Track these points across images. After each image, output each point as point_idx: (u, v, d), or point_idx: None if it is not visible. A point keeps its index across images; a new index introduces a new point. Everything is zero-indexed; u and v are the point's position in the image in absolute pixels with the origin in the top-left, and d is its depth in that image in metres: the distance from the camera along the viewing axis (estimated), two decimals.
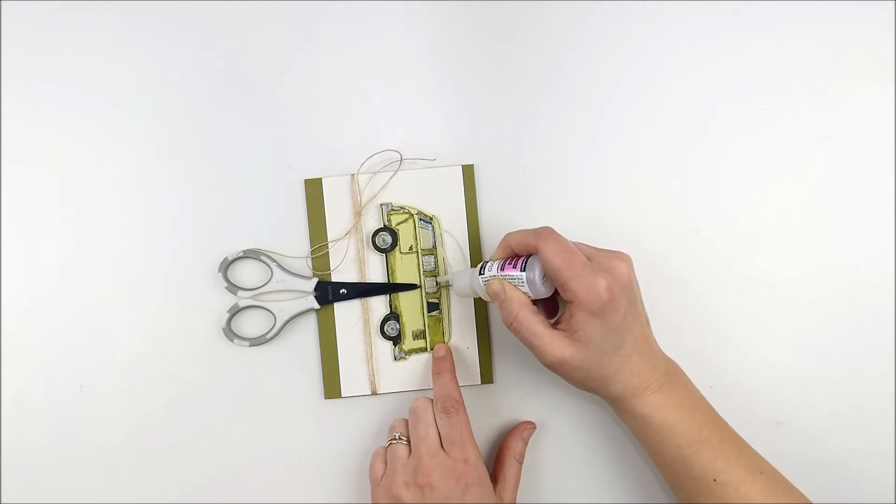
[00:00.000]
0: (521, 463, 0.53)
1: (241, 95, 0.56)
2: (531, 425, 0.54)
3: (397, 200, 0.56)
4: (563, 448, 0.56)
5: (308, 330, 0.56)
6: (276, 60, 0.56)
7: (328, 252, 0.55)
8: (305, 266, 0.55)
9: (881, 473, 0.56)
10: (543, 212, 0.56)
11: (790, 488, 0.48)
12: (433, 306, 0.56)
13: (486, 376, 0.56)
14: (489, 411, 0.56)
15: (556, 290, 0.48)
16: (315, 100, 0.56)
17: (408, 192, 0.56)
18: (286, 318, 0.55)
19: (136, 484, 0.55)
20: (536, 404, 0.56)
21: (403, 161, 0.55)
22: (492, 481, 0.51)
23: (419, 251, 0.56)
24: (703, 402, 0.50)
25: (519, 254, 0.49)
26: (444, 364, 0.53)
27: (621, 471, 0.56)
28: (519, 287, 0.48)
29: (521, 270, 0.48)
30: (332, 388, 0.55)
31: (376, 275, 0.56)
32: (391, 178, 0.55)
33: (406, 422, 0.52)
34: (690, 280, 0.56)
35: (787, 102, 0.56)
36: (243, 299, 0.55)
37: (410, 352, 0.56)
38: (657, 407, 0.48)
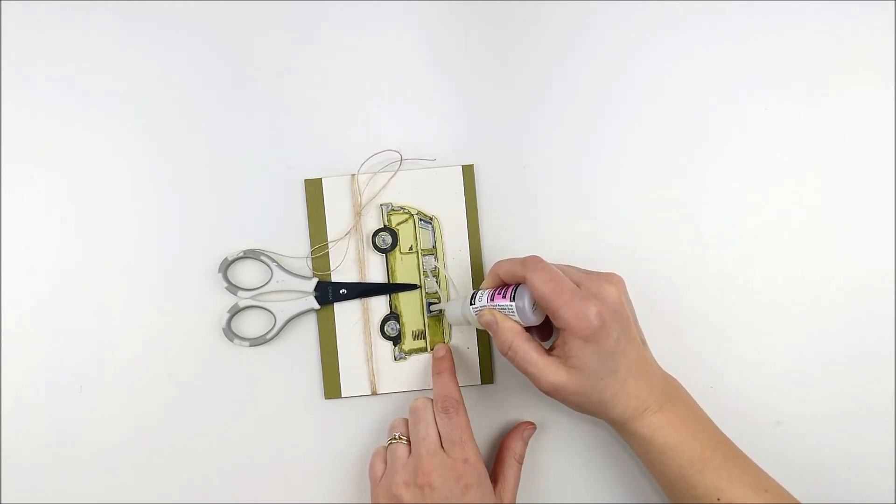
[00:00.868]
0: (521, 463, 0.53)
1: (241, 95, 0.56)
2: (531, 425, 0.54)
3: (397, 200, 0.56)
4: (563, 448, 0.56)
5: (308, 330, 0.56)
6: (277, 60, 0.56)
7: (328, 252, 0.55)
8: (305, 266, 0.55)
9: (881, 473, 0.56)
10: (543, 212, 0.56)
11: None
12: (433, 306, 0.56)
13: (486, 376, 0.56)
14: (489, 411, 0.56)
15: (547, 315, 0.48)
16: (315, 100, 0.56)
17: (408, 192, 0.56)
18: (286, 318, 0.55)
19: (136, 484, 0.55)
20: (536, 404, 0.56)
21: (403, 161, 0.55)
22: (492, 481, 0.51)
23: (419, 251, 0.56)
24: (705, 419, 0.50)
25: (507, 283, 0.49)
26: (444, 364, 0.53)
27: (621, 471, 0.56)
28: (510, 316, 0.48)
29: (510, 300, 0.48)
30: (332, 388, 0.55)
31: (376, 275, 0.56)
32: (391, 178, 0.55)
33: (406, 422, 0.52)
34: (690, 280, 0.56)
35: (788, 102, 0.56)
36: (243, 299, 0.55)
37: (410, 352, 0.56)
38: (658, 427, 0.47)
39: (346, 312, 0.55)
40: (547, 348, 0.48)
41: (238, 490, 0.55)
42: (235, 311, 0.55)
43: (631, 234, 0.56)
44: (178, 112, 0.56)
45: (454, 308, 0.52)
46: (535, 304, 0.47)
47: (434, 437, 0.49)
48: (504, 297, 0.48)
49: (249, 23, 0.56)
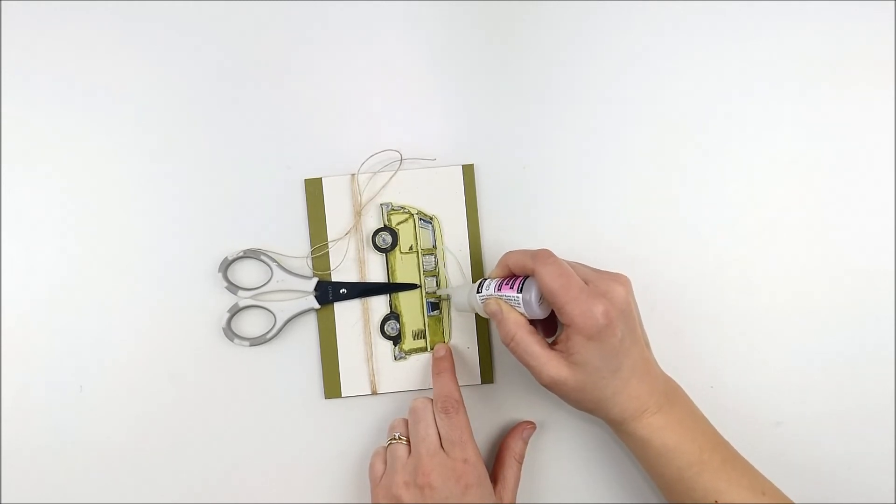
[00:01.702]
0: (521, 463, 0.53)
1: (241, 95, 0.56)
2: (531, 425, 0.54)
3: (397, 200, 0.56)
4: (563, 448, 0.56)
5: (308, 330, 0.56)
6: (276, 60, 0.56)
7: (328, 252, 0.55)
8: (305, 266, 0.55)
9: (881, 474, 0.56)
10: (543, 212, 0.56)
11: None
12: (433, 306, 0.56)
13: (486, 376, 0.56)
14: (489, 411, 0.56)
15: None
16: (315, 100, 0.56)
17: (408, 192, 0.56)
18: (286, 317, 0.55)
19: (136, 484, 0.55)
20: (536, 404, 0.56)
21: (403, 161, 0.55)
22: (492, 481, 0.51)
23: (419, 251, 0.56)
24: (704, 422, 0.50)
25: (516, 274, 0.49)
26: (444, 364, 0.53)
27: (621, 471, 0.56)
28: (515, 307, 0.48)
29: (517, 292, 0.48)
30: (332, 388, 0.55)
31: (376, 275, 0.56)
32: (391, 178, 0.55)
33: (406, 422, 0.52)
34: (690, 280, 0.56)
35: (787, 102, 0.56)
36: (243, 299, 0.55)
37: (410, 352, 0.56)
38: (657, 429, 0.47)
39: (346, 312, 0.55)
40: (550, 342, 0.48)
41: (238, 490, 0.55)
42: (235, 311, 0.55)
43: (631, 233, 0.56)
44: (177, 112, 0.56)
45: (460, 294, 0.52)
46: (542, 298, 0.47)
47: (434, 437, 0.49)
48: (512, 288, 0.48)
49: (249, 23, 0.56)
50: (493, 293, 0.49)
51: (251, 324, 0.56)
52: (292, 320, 0.55)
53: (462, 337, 0.56)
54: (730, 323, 0.56)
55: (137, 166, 0.55)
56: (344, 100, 0.56)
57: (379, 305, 0.56)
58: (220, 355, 0.55)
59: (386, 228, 0.56)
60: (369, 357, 0.55)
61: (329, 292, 0.55)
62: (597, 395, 0.47)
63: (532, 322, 0.48)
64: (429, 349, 0.56)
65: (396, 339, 0.56)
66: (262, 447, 0.55)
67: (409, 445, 0.50)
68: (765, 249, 0.56)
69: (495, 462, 0.54)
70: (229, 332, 0.55)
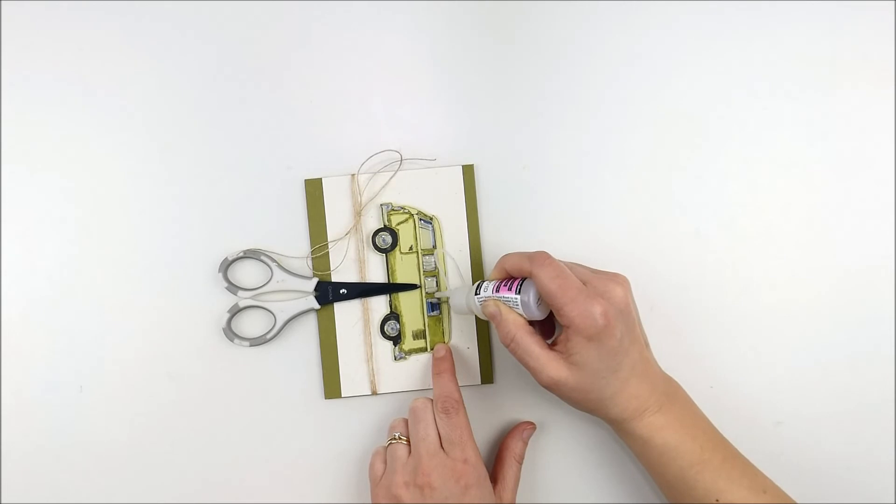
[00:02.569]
0: (520, 463, 0.53)
1: (241, 95, 0.56)
2: (531, 425, 0.54)
3: (397, 200, 0.56)
4: (563, 448, 0.56)
5: (308, 330, 0.56)
6: (277, 60, 0.56)
7: (328, 252, 0.55)
8: (305, 266, 0.55)
9: (881, 473, 0.56)
10: (543, 212, 0.56)
11: None
12: (433, 306, 0.56)
13: (486, 376, 0.56)
14: (489, 411, 0.56)
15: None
16: (315, 100, 0.56)
17: (408, 192, 0.56)
18: (286, 318, 0.55)
19: (136, 484, 0.55)
20: (536, 404, 0.56)
21: (403, 161, 0.55)
22: (491, 482, 0.51)
23: (419, 251, 0.56)
24: (705, 420, 0.50)
25: (514, 276, 0.49)
26: (444, 364, 0.53)
27: (621, 471, 0.56)
28: (514, 309, 0.48)
29: (515, 293, 0.48)
30: (332, 388, 0.55)
31: (376, 275, 0.56)
32: (391, 178, 0.55)
33: (406, 422, 0.52)
34: (690, 280, 0.56)
35: (787, 102, 0.56)
36: (243, 299, 0.55)
37: (410, 352, 0.56)
38: (658, 428, 0.47)
39: (346, 312, 0.55)
40: (549, 343, 0.48)
41: (238, 490, 0.55)
42: (235, 311, 0.55)
43: (631, 233, 0.56)
44: (178, 112, 0.56)
45: (458, 296, 0.52)
46: (540, 299, 0.47)
47: (434, 437, 0.49)
48: (510, 289, 0.48)
49: (249, 23, 0.56)
50: (491, 295, 0.49)
51: (251, 324, 0.56)
52: (292, 320, 0.55)
53: (462, 337, 0.56)
54: (730, 323, 0.56)
55: (137, 166, 0.55)
56: (344, 100, 0.56)
57: (379, 306, 0.56)
58: (220, 355, 0.55)
59: (386, 229, 0.56)
60: (369, 357, 0.55)
61: (329, 292, 0.55)
62: (597, 395, 0.47)
63: (531, 323, 0.48)
64: (429, 349, 0.56)
65: (396, 340, 0.56)
66: (262, 447, 0.55)
67: (409, 446, 0.50)
68: (765, 249, 0.56)
69: (495, 462, 0.54)
70: (229, 333, 0.55)
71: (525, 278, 0.48)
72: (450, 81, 0.56)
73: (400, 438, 0.51)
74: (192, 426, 0.55)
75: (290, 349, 0.55)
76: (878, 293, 0.56)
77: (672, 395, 0.49)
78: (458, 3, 0.56)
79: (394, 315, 0.56)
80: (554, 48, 0.56)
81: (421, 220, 0.56)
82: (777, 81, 0.57)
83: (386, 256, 0.56)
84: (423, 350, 0.56)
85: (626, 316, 0.46)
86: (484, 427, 0.56)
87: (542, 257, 0.47)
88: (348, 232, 0.55)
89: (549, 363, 0.47)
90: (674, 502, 0.49)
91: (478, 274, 0.56)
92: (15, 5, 0.55)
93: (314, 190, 0.55)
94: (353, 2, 0.56)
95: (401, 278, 0.56)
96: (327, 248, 0.55)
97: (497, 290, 0.49)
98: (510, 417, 0.56)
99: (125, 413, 0.55)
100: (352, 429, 0.56)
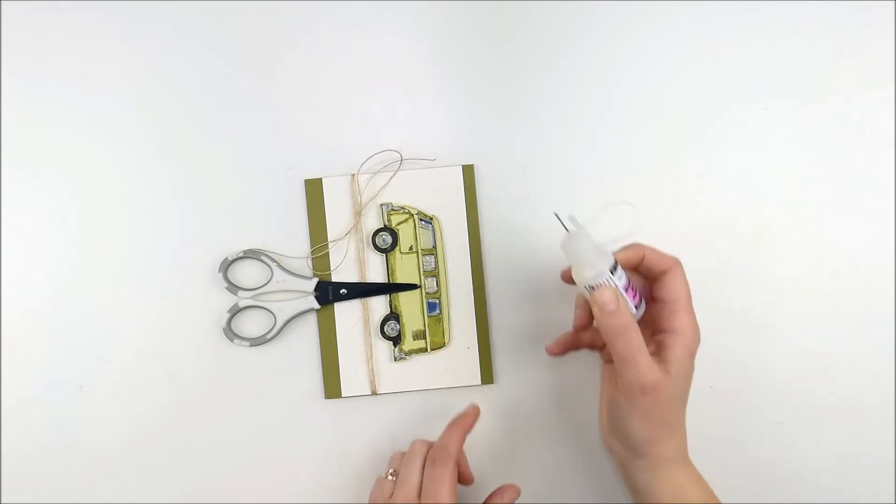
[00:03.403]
0: None
1: (240, 95, 0.56)
2: (514, 490, 0.52)
3: (397, 200, 0.56)
4: (562, 449, 0.56)
5: (308, 330, 0.56)
6: (276, 60, 0.56)
7: (328, 252, 0.55)
8: (305, 266, 0.55)
9: (881, 473, 0.56)
10: (544, 212, 0.56)
11: None
12: (433, 306, 0.56)
13: (487, 376, 0.56)
14: (489, 411, 0.56)
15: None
16: (315, 100, 0.56)
17: (408, 192, 0.56)
18: (286, 318, 0.55)
19: (136, 484, 0.55)
20: (536, 404, 0.56)
21: (403, 161, 0.55)
22: None
23: (419, 251, 0.56)
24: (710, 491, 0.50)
25: (650, 266, 0.48)
26: (463, 420, 0.51)
27: (619, 472, 0.56)
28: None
29: (636, 301, 0.47)
30: (332, 388, 0.55)
31: (376, 275, 0.56)
32: (391, 178, 0.55)
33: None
34: (690, 280, 0.56)
35: (787, 103, 0.56)
36: (243, 299, 0.55)
37: (410, 352, 0.56)
38: (695, 480, 0.48)
39: (346, 312, 0.55)
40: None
41: (238, 490, 0.55)
42: (235, 311, 0.55)
43: (630, 234, 0.56)
44: (178, 112, 0.56)
45: (585, 246, 0.47)
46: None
47: (414, 485, 0.48)
48: (634, 296, 0.47)
49: (249, 23, 0.56)
50: (616, 285, 0.46)
51: (251, 324, 0.56)
52: (292, 320, 0.55)
53: (462, 337, 0.56)
54: (730, 323, 0.56)
55: (137, 166, 0.55)
56: (344, 100, 0.56)
57: (379, 306, 0.56)
58: (220, 355, 0.55)
59: (386, 229, 0.56)
60: (369, 357, 0.55)
61: (329, 292, 0.55)
62: (673, 416, 0.47)
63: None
64: (429, 349, 0.56)
65: (396, 340, 0.56)
66: (262, 447, 0.55)
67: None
68: (765, 250, 0.56)
69: None
70: (229, 333, 0.55)
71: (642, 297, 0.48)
72: (450, 81, 0.56)
73: (391, 476, 0.50)
74: (192, 426, 0.55)
75: (290, 349, 0.55)
76: (878, 293, 0.56)
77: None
78: (458, 3, 0.56)
79: (394, 315, 0.56)
80: (554, 48, 0.56)
81: (421, 220, 0.56)
82: (777, 81, 0.57)
83: (386, 256, 0.56)
84: (423, 350, 0.56)
85: None
86: (484, 427, 0.56)
87: (679, 262, 0.48)
88: (348, 232, 0.55)
89: (653, 366, 0.46)
90: None
91: (478, 275, 0.56)
92: (15, 5, 0.55)
93: (314, 190, 0.55)
94: (353, 2, 0.56)
95: (401, 278, 0.56)
96: (327, 248, 0.55)
97: (625, 289, 0.47)
98: (510, 417, 0.56)
99: (125, 413, 0.55)
100: (352, 429, 0.56)
